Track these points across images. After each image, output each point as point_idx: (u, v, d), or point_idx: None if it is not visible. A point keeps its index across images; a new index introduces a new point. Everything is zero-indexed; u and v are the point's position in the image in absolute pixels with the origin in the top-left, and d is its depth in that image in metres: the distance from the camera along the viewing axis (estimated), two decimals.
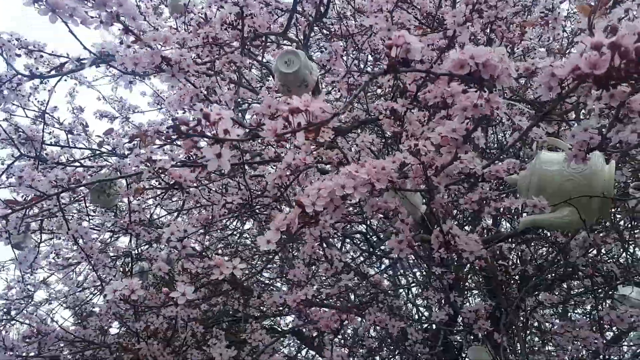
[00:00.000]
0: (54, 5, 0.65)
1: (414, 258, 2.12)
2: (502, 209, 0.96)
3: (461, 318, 1.56)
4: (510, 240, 1.82)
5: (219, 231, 2.04)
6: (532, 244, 1.90)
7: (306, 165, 0.77)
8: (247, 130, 0.79)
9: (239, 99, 1.17)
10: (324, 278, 1.66)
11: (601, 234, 1.31)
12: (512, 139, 1.09)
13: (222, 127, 0.43)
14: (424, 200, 1.33)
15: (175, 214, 1.99)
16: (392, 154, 0.76)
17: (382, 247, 2.10)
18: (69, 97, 2.69)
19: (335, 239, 2.05)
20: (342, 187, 0.65)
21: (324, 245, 1.04)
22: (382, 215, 0.76)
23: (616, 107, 0.65)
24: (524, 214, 1.09)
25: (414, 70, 0.51)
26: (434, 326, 1.77)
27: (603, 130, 0.75)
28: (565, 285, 1.98)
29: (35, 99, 1.78)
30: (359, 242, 2.29)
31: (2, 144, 1.87)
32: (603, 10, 0.82)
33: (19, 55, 1.31)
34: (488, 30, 1.10)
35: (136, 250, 1.89)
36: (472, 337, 1.93)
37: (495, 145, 1.91)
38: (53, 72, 1.34)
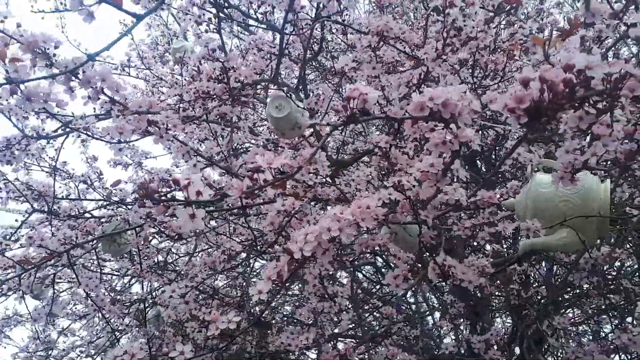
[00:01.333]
0: (28, 95, 0.69)
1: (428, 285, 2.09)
2: (495, 233, 0.96)
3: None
4: (528, 261, 1.79)
5: (229, 271, 2.06)
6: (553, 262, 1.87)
7: (296, 210, 0.79)
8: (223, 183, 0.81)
9: (234, 145, 1.21)
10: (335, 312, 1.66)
11: (611, 249, 1.29)
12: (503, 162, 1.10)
13: (192, 190, 0.45)
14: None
15: (188, 257, 2.02)
16: (379, 191, 0.77)
17: None
18: (82, 147, 2.76)
19: (344, 272, 2.04)
20: (328, 230, 0.67)
21: (326, 282, 1.05)
22: (370, 253, 0.77)
23: (585, 128, 0.66)
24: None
25: (372, 117, 0.53)
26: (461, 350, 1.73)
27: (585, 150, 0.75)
28: (593, 301, 1.93)
29: (47, 154, 1.85)
30: (372, 273, 2.28)
31: (18, 201, 1.94)
32: (576, 29, 0.84)
33: (27, 117, 1.38)
34: (473, 58, 1.13)
35: (150, 295, 1.91)
36: None
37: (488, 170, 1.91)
38: (60, 131, 1.40)
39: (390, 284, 0.86)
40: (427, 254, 0.77)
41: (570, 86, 0.39)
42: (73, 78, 0.73)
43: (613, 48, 0.86)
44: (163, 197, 0.45)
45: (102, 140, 0.95)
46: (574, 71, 0.40)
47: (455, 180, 0.77)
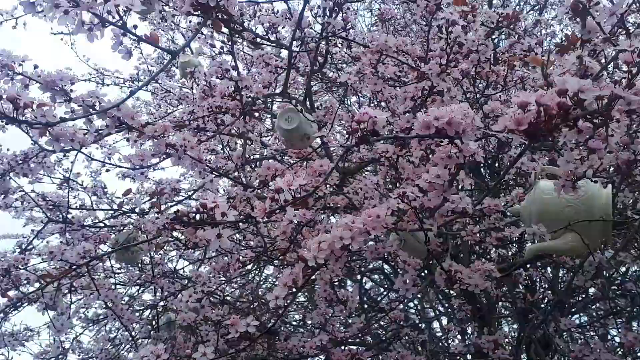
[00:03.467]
0: (57, 136, 0.74)
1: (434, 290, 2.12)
2: (501, 239, 1.00)
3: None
4: (534, 266, 1.81)
5: (239, 278, 2.10)
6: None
7: (307, 220, 0.82)
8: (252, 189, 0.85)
9: (247, 157, 1.25)
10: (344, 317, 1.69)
11: (615, 252, 1.32)
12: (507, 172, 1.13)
13: (219, 212, 0.49)
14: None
15: (198, 264, 2.06)
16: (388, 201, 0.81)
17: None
18: (86, 162, 2.78)
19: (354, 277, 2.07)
20: (341, 239, 0.71)
21: (336, 288, 1.08)
22: (380, 260, 0.80)
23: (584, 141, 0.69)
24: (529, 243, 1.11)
25: (382, 138, 0.57)
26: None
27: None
28: (600, 305, 1.95)
29: (61, 167, 1.91)
30: (380, 280, 2.31)
31: (32, 211, 1.98)
32: (573, 44, 0.88)
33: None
34: (475, 71, 1.16)
35: (162, 302, 1.95)
36: None
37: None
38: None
39: (400, 289, 0.90)
40: (434, 260, 0.81)
41: (564, 109, 0.43)
42: (90, 110, 0.78)
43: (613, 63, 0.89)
44: (192, 221, 0.49)
45: (122, 167, 1.00)
46: (568, 94, 0.43)
47: (461, 189, 0.80)
